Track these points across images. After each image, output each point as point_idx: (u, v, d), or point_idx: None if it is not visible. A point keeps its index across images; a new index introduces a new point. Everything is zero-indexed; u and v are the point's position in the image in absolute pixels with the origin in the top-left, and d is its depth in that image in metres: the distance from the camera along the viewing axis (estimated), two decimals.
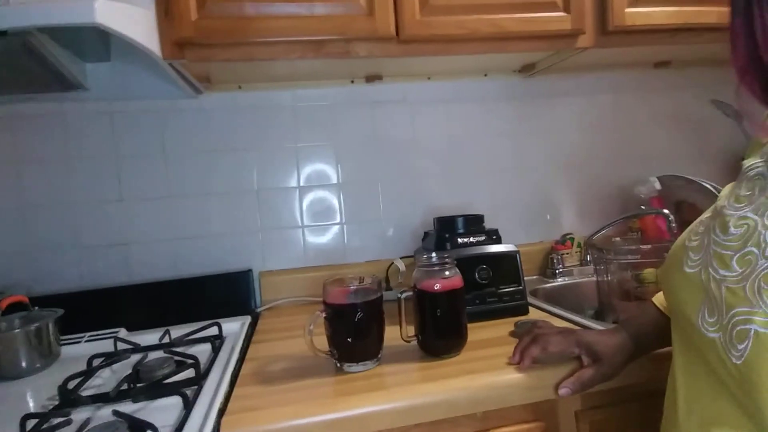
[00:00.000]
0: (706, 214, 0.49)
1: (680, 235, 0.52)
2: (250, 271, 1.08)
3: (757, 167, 0.46)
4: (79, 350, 0.87)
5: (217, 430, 0.53)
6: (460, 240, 0.94)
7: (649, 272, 1.00)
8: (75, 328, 0.91)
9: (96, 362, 0.76)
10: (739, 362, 0.39)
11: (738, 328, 0.39)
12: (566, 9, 0.91)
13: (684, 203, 1.20)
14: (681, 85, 1.31)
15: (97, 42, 0.91)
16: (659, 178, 1.21)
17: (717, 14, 0.95)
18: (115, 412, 0.56)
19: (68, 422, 0.56)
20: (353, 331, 0.66)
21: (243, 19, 0.80)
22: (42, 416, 0.59)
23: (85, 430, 0.53)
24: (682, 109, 1.32)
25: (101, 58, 0.98)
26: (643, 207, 1.21)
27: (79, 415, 0.58)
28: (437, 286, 0.69)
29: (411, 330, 0.72)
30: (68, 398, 0.64)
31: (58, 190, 1.03)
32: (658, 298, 0.63)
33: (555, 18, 0.90)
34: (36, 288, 0.98)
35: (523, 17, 0.89)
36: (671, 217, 1.04)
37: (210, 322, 0.91)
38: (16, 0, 0.66)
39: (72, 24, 0.65)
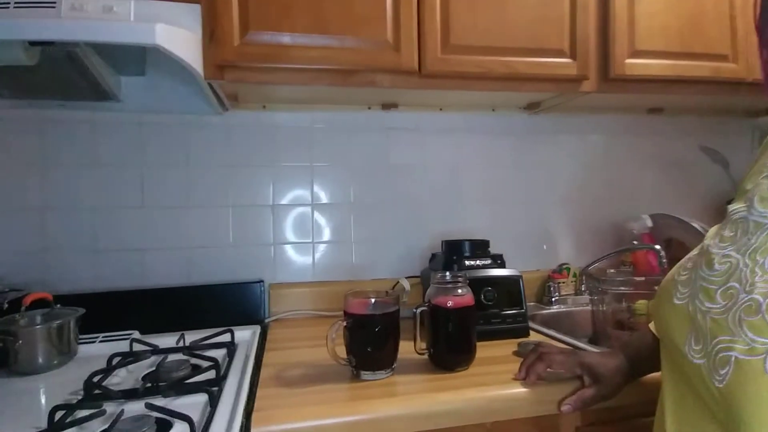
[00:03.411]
0: (694, 252, 0.55)
1: (670, 270, 0.58)
2: (261, 282, 1.11)
3: (740, 211, 0.51)
4: (94, 350, 0.89)
5: (247, 426, 0.57)
6: (467, 262, 1.00)
7: (641, 304, 1.05)
8: (88, 329, 0.92)
9: (116, 360, 0.78)
10: (721, 386, 0.43)
11: (720, 354, 0.44)
12: (573, 56, 1.00)
13: (673, 241, 1.27)
14: (672, 130, 1.41)
15: (135, 58, 0.97)
16: (651, 216, 1.29)
17: (709, 69, 1.05)
18: (149, 405, 0.59)
19: (102, 413, 0.58)
20: (372, 341, 0.70)
21: (280, 47, 0.87)
22: (70, 408, 0.61)
23: (121, 419, 0.56)
24: (672, 152, 1.42)
25: (137, 73, 1.03)
26: (635, 242, 1.28)
27: (108, 408, 0.61)
28: (450, 303, 0.74)
29: (423, 344, 0.76)
30: (93, 392, 0.66)
31: (80, 194, 1.06)
32: (653, 325, 0.68)
33: (562, 64, 0.99)
34: (52, 287, 1.00)
35: (534, 61, 0.98)
36: (662, 253, 1.10)
37: (223, 329, 0.94)
38: (68, 12, 0.72)
39: (134, 43, 0.70)
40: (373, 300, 0.73)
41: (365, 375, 0.71)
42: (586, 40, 0.99)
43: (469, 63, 0.94)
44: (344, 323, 0.71)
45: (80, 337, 0.89)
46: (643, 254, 1.27)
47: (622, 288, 1.07)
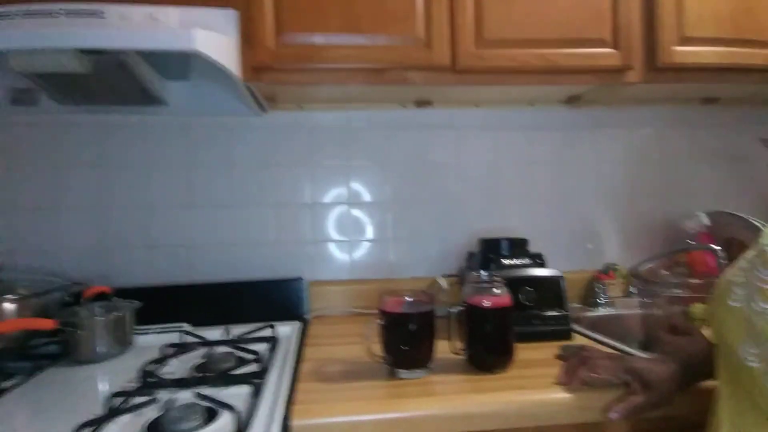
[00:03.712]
0: (751, 252, 0.53)
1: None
2: (301, 279, 1.14)
3: None
4: (148, 340, 0.94)
5: (287, 417, 0.59)
6: (504, 262, 0.97)
7: (697, 308, 0.99)
8: (143, 320, 0.97)
9: (168, 351, 0.83)
10: None
11: None
12: (615, 45, 0.95)
13: (734, 240, 1.18)
14: (728, 122, 1.31)
15: (179, 63, 1.02)
16: (708, 214, 1.20)
17: (763, 56, 0.98)
18: (198, 394, 0.62)
19: (154, 400, 0.62)
20: (407, 340, 0.71)
21: (313, 48, 0.89)
22: (128, 395, 0.66)
23: (173, 406, 0.59)
24: (731, 145, 1.32)
25: (181, 77, 1.08)
26: (690, 242, 1.20)
27: (161, 396, 0.65)
28: (487, 303, 0.73)
29: (459, 344, 0.76)
30: (149, 380, 0.71)
31: (134, 193, 1.14)
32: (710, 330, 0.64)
33: (604, 54, 0.95)
34: (111, 281, 1.07)
35: (573, 52, 0.94)
36: (721, 254, 1.03)
37: (265, 323, 0.97)
38: (116, 21, 0.76)
39: (174, 50, 0.74)
40: (408, 299, 0.73)
41: (402, 373, 0.71)
42: (629, 27, 0.94)
43: (504, 57, 0.92)
44: (380, 321, 0.71)
45: (136, 328, 0.94)
46: (699, 255, 1.19)
47: (677, 291, 1.01)
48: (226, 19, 0.85)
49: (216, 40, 0.79)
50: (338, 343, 0.91)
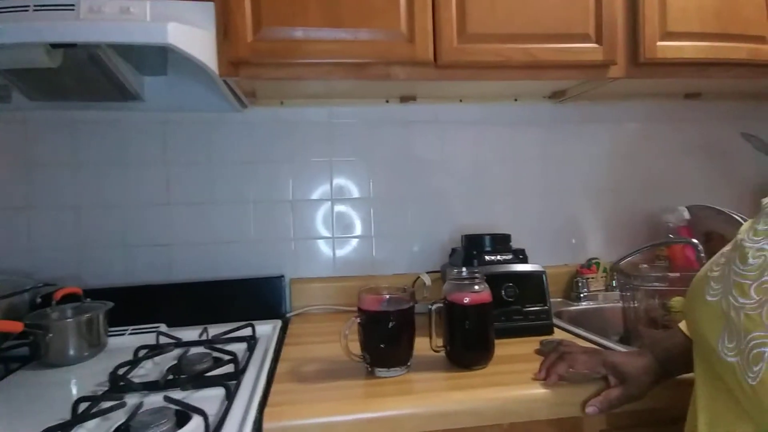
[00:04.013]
0: (728, 247, 0.53)
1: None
2: (282, 277, 1.12)
3: None
4: (123, 342, 0.92)
5: (259, 421, 0.57)
6: (487, 257, 0.97)
7: (676, 301, 0.99)
8: (117, 321, 0.95)
9: (141, 353, 0.81)
10: (754, 383, 0.41)
11: (754, 351, 0.42)
12: (598, 40, 0.94)
13: (713, 234, 1.19)
14: (711, 116, 1.32)
15: (156, 57, 0.99)
16: (688, 208, 1.21)
17: (746, 50, 0.98)
18: (167, 398, 0.60)
19: (122, 405, 0.60)
20: (385, 338, 0.70)
21: (293, 42, 0.87)
22: (94, 399, 0.64)
23: (141, 411, 0.57)
24: (711, 140, 1.33)
25: (158, 72, 1.06)
26: (671, 236, 1.21)
27: (130, 400, 0.63)
28: (467, 300, 0.72)
29: (439, 341, 0.75)
30: (118, 384, 0.69)
31: (110, 192, 1.11)
32: (685, 324, 0.64)
33: (587, 49, 0.94)
34: (84, 282, 1.05)
35: (556, 47, 0.93)
36: (700, 247, 1.03)
37: (245, 323, 0.95)
38: (86, 14, 0.73)
39: (146, 43, 0.72)
40: (386, 296, 0.72)
41: (380, 372, 0.70)
42: (613, 22, 0.94)
43: (487, 52, 0.91)
44: (357, 319, 0.70)
45: (110, 329, 0.92)
46: (680, 248, 1.20)
47: (656, 284, 1.02)
48: (203, 12, 0.82)
49: (191, 33, 0.77)
50: (318, 341, 0.90)
